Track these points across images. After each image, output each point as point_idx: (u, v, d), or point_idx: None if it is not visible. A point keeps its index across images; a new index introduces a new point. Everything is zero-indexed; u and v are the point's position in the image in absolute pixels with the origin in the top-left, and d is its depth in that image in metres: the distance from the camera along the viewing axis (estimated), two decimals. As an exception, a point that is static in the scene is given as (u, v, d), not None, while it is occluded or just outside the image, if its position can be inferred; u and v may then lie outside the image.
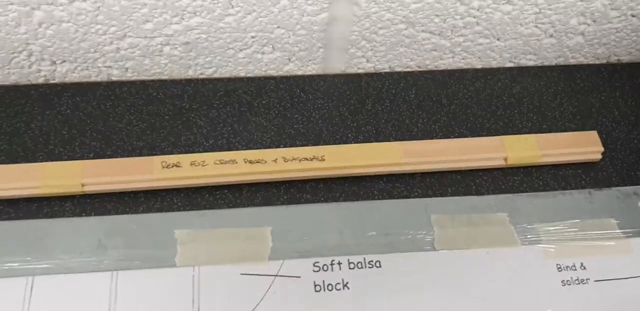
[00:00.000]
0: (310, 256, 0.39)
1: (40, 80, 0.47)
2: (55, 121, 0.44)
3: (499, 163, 0.44)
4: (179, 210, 0.40)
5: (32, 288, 0.36)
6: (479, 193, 0.43)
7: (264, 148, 0.43)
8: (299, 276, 0.38)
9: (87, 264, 0.37)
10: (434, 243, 0.40)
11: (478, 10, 0.46)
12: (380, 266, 0.39)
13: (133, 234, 0.39)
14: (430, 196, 0.42)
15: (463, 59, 0.51)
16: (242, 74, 0.49)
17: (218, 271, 0.38)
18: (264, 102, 0.47)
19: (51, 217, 0.39)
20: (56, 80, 0.47)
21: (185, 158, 0.41)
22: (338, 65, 0.49)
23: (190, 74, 0.48)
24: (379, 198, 0.42)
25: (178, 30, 0.44)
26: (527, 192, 0.43)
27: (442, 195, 0.42)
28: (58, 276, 0.37)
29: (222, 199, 0.41)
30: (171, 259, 0.38)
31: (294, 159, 0.42)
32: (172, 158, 0.41)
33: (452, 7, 0.45)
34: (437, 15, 0.46)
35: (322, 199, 0.42)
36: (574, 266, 0.40)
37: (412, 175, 0.43)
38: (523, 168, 0.45)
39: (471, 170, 0.44)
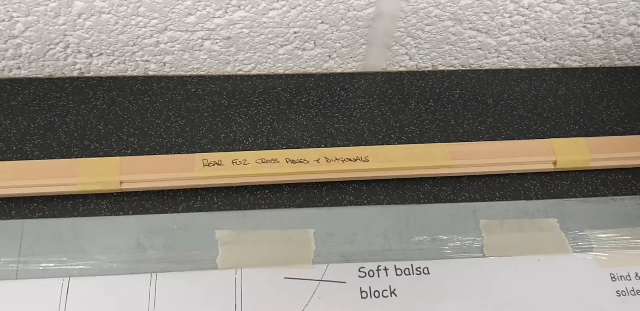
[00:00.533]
0: (355, 261, 0.38)
1: (76, 74, 0.46)
2: (90, 116, 0.43)
3: (548, 167, 0.42)
4: (219, 209, 0.39)
5: (68, 290, 0.35)
6: (527, 197, 0.41)
7: (305, 147, 0.42)
8: (345, 282, 0.37)
9: (125, 266, 0.36)
10: (483, 249, 0.38)
11: (528, 8, 0.44)
12: (428, 273, 0.38)
13: (173, 234, 0.37)
14: (478, 200, 0.41)
15: (508, 59, 0.49)
16: (281, 71, 0.47)
17: (261, 274, 0.37)
18: (303, 100, 0.45)
19: (88, 215, 0.38)
20: (91, 74, 0.46)
21: (227, 157, 0.39)
22: (379, 63, 0.48)
23: (229, 70, 0.46)
24: (425, 202, 0.40)
25: (221, 25, 0.42)
26: (576, 197, 0.42)
27: (490, 200, 0.41)
28: (95, 278, 0.36)
29: (263, 199, 0.40)
30: (213, 261, 0.37)
31: (337, 160, 0.40)
32: (214, 156, 0.39)
33: (502, 5, 0.43)
34: (486, 13, 0.44)
35: (366, 202, 0.40)
36: (629, 276, 0.38)
37: (459, 179, 0.42)
38: (572, 173, 0.43)
39: (520, 174, 0.42)
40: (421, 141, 0.43)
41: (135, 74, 0.46)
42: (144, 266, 0.36)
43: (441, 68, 0.49)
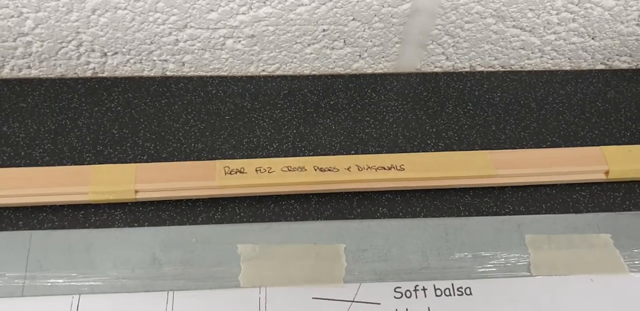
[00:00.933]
0: (390, 280, 0.35)
1: (89, 74, 0.44)
2: (104, 119, 0.41)
3: (598, 177, 0.39)
4: (241, 221, 0.37)
5: (77, 308, 0.33)
6: (577, 210, 0.39)
7: (333, 154, 0.40)
8: (379, 303, 0.34)
9: (139, 282, 0.34)
10: (530, 267, 0.36)
11: (577, 4, 0.41)
12: (470, 294, 0.35)
13: (191, 248, 0.36)
14: (523, 213, 0.38)
15: (552, 59, 0.46)
16: (307, 72, 0.45)
17: (287, 294, 0.34)
18: (331, 102, 0.43)
19: (100, 226, 0.36)
20: (105, 74, 0.44)
21: (250, 164, 0.37)
22: (413, 62, 0.45)
23: (252, 70, 0.44)
24: (465, 215, 0.38)
25: (244, 22, 0.39)
26: (631, 210, 0.39)
27: (536, 212, 0.38)
28: (106, 296, 0.34)
29: (289, 210, 0.38)
30: (234, 278, 0.35)
31: (369, 168, 0.38)
32: (236, 163, 0.37)
33: (550, 1, 0.40)
34: (531, 10, 0.41)
35: (401, 214, 0.38)
36: (694, 299, 0.35)
37: (502, 189, 0.39)
38: (626, 184, 0.40)
39: (568, 184, 0.40)
40: (460, 148, 0.41)
41: (152, 74, 0.44)
42: (160, 283, 0.34)
43: (479, 69, 0.46)
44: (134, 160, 0.39)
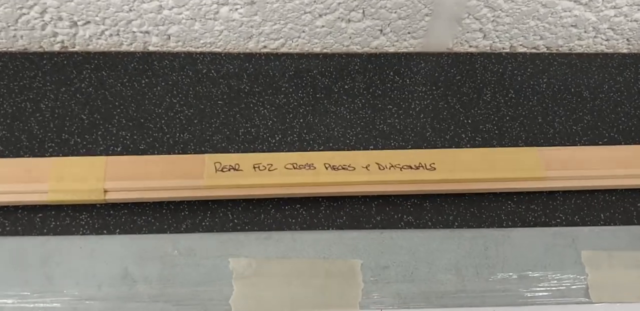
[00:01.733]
0: (417, 306, 0.31)
1: (56, 47, 0.40)
2: (72, 101, 0.37)
3: (668, 181, 0.35)
4: (235, 229, 0.33)
5: None
6: (642, 221, 0.34)
7: (349, 149, 0.36)
8: None
9: (107, 304, 0.30)
10: (589, 291, 0.32)
11: (646, -28, 0.34)
12: None
13: (172, 262, 0.31)
14: (578, 224, 0.34)
15: (606, 40, 0.40)
16: (318, 49, 0.40)
17: None
18: (346, 87, 0.39)
19: (60, 233, 0.32)
20: (76, 48, 0.40)
21: (246, 159, 0.34)
22: (444, 40, 0.40)
23: (251, 46, 0.40)
24: (508, 225, 0.34)
25: (243, -16, 0.33)
26: None
27: (594, 223, 0.34)
28: None
29: (293, 217, 0.34)
30: (224, 302, 0.30)
31: (392, 166, 0.34)
32: (229, 159, 0.33)
33: (613, -33, 0.33)
34: (590, -23, 0.34)
35: (430, 223, 0.34)
36: None
37: (552, 194, 0.35)
38: (701, 190, 0.36)
39: (631, 189, 0.35)
40: (501, 143, 0.37)
41: (132, 49, 0.40)
42: (133, 307, 0.30)
43: (521, 49, 0.41)
44: (105, 153, 0.35)
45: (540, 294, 0.31)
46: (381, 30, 0.39)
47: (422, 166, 0.33)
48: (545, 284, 0.31)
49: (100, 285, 0.30)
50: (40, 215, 0.33)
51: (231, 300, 0.30)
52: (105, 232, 0.33)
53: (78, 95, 0.37)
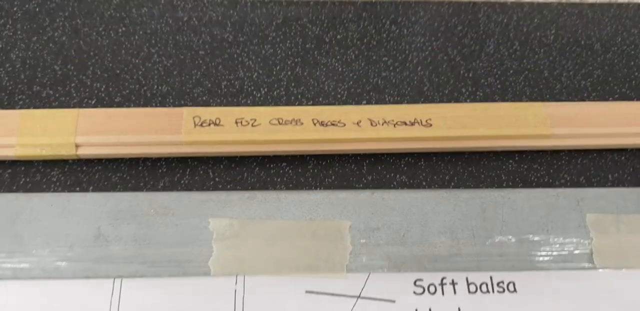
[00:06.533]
0: (408, 270, 0.29)
1: None
2: (44, 51, 0.36)
3: (681, 140, 0.34)
4: (216, 188, 0.32)
5: None
6: (653, 183, 0.33)
7: (340, 103, 0.35)
8: (394, 301, 0.29)
9: (78, 266, 0.29)
10: (593, 257, 0.30)
11: None
12: (514, 291, 0.29)
13: (148, 222, 0.30)
14: (583, 185, 0.33)
15: None
16: None
17: (272, 285, 0.29)
18: (338, 36, 0.37)
19: (30, 190, 0.31)
20: None
21: (228, 113, 0.32)
22: None
23: None
24: (509, 186, 0.32)
25: None
26: None
27: (600, 185, 0.33)
28: (35, 283, 0.28)
29: (278, 175, 0.32)
30: (203, 264, 0.29)
31: (385, 123, 0.32)
32: (209, 112, 0.32)
33: None
34: None
35: (424, 183, 0.32)
36: None
37: (557, 153, 0.33)
38: None
39: None
40: (504, 98, 0.35)
41: None
42: (105, 268, 0.29)
43: None
44: (79, 105, 0.34)
45: (541, 259, 0.29)
46: (377, -25, 0.36)
47: (417, 122, 0.32)
48: (547, 248, 0.30)
49: (72, 246, 0.29)
50: (9, 171, 0.31)
51: (210, 261, 0.29)
52: (77, 189, 0.31)
53: (50, 45, 0.36)
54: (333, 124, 0.32)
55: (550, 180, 0.32)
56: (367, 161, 0.33)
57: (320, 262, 0.29)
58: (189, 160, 0.32)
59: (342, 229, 0.30)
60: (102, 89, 0.34)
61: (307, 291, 0.28)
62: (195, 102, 0.34)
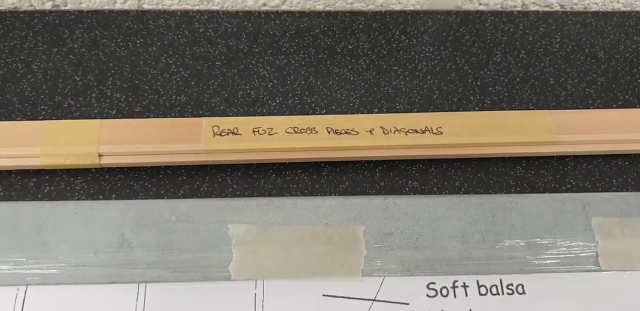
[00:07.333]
0: (421, 274, 0.30)
1: (48, 6, 0.39)
2: (64, 62, 0.36)
3: (685, 146, 0.34)
4: (234, 195, 0.32)
5: (23, 303, 0.29)
6: (656, 187, 0.33)
7: (352, 112, 0.35)
8: (407, 304, 0.29)
9: (103, 271, 0.30)
10: (598, 259, 0.31)
11: None
12: (523, 293, 0.30)
13: (170, 229, 0.31)
14: (589, 190, 0.33)
15: None
16: (320, 7, 0.39)
17: (290, 289, 0.29)
18: (350, 47, 0.37)
19: (55, 199, 0.32)
20: (69, 6, 0.39)
21: (245, 123, 0.33)
22: None
23: (250, 4, 0.39)
24: (516, 191, 0.33)
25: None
26: None
27: (605, 190, 0.33)
28: (61, 288, 0.29)
29: (294, 182, 0.33)
30: (224, 268, 0.30)
31: (397, 131, 0.33)
32: (228, 122, 0.32)
33: None
34: None
35: (435, 189, 0.33)
36: None
37: (562, 159, 0.34)
38: None
39: None
40: (511, 106, 0.35)
41: (126, 7, 0.39)
42: (129, 273, 0.30)
43: (533, 8, 0.40)
44: (100, 116, 0.34)
45: (548, 261, 0.30)
46: (387, -13, 0.37)
47: (428, 130, 0.32)
48: (554, 251, 0.30)
49: (97, 252, 0.29)
50: (34, 179, 0.32)
51: (230, 266, 0.29)
52: (100, 197, 0.32)
53: (71, 56, 0.36)
54: (347, 132, 0.32)
55: (557, 186, 0.33)
56: (379, 168, 0.33)
57: (336, 267, 0.30)
58: (208, 168, 0.33)
59: (357, 234, 0.31)
60: (122, 99, 0.34)
61: (324, 295, 0.29)
62: (213, 112, 0.34)
